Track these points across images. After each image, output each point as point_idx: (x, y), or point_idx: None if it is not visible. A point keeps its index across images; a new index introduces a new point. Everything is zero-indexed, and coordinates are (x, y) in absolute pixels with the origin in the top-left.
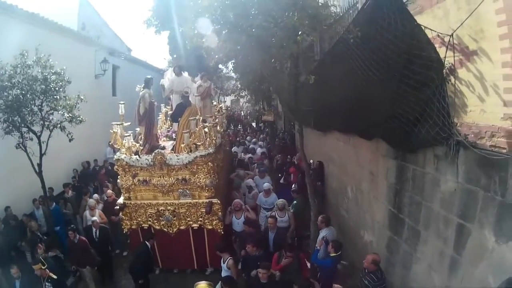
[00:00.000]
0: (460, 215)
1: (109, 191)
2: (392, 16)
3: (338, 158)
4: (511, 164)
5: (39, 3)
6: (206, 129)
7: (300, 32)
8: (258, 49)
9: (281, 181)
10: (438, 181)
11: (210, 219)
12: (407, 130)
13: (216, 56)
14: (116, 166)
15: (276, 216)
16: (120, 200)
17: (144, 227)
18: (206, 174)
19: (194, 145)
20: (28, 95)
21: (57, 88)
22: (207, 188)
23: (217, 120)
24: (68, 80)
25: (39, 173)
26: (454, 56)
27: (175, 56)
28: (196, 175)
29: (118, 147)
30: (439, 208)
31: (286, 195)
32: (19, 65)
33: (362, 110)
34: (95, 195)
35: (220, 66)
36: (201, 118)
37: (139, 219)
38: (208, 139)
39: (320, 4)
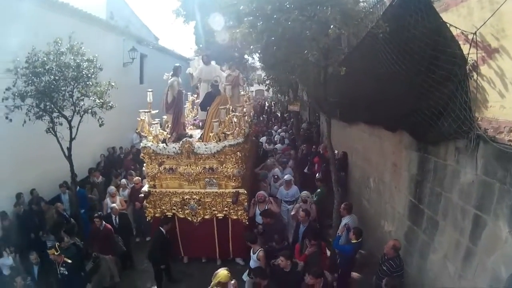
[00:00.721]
0: (477, 206)
1: (137, 178)
2: (419, 13)
3: (362, 149)
4: None
5: None
6: (235, 119)
7: (332, 26)
8: (292, 41)
9: (305, 170)
10: (458, 173)
11: (236, 209)
12: (431, 123)
13: (251, 47)
14: (142, 154)
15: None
16: (145, 188)
17: (168, 216)
18: (234, 164)
19: (223, 134)
20: (61, 81)
21: (89, 75)
22: (234, 178)
23: (245, 109)
24: (99, 67)
25: (69, 157)
26: (477, 53)
27: (201, 45)
28: (224, 165)
29: (145, 135)
30: (457, 199)
31: (310, 184)
32: (52, 52)
33: (388, 102)
34: (123, 180)
35: (245, 56)
36: (231, 107)
37: (163, 207)
38: (237, 128)
39: (351, 0)
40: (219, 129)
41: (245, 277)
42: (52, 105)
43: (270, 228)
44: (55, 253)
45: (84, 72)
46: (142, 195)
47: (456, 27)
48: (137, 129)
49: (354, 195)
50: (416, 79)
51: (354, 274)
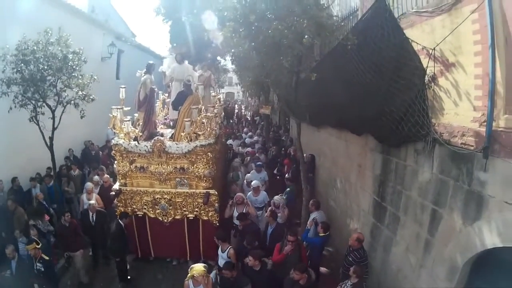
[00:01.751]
0: (434, 202)
1: (106, 176)
2: (386, 28)
3: (330, 151)
4: (476, 158)
5: None
6: (206, 119)
7: (306, 36)
8: (271, 47)
9: (275, 171)
10: (417, 172)
11: (207, 210)
12: (393, 127)
13: (232, 50)
14: (113, 151)
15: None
16: (116, 186)
17: (139, 215)
18: (205, 164)
19: (195, 134)
20: (48, 71)
21: (74, 67)
22: (205, 179)
23: (216, 110)
24: (84, 60)
25: (50, 147)
26: (434, 66)
27: (175, 44)
28: (195, 165)
29: (117, 132)
30: (416, 196)
31: (279, 185)
32: (40, 42)
33: (354, 107)
34: (96, 177)
35: (218, 58)
36: (203, 107)
37: (134, 206)
38: (208, 129)
39: (325, 14)
40: (191, 129)
41: (213, 275)
42: (38, 94)
43: (246, 230)
44: (36, 247)
45: (70, 64)
46: (113, 193)
47: (417, 43)
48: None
49: (321, 196)
50: (380, 87)
51: (323, 269)
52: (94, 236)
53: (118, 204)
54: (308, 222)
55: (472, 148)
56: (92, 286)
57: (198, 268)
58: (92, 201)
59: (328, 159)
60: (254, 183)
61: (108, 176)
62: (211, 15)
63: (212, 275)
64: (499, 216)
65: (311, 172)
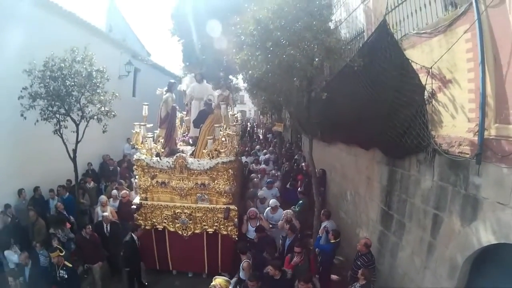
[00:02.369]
0: (435, 207)
1: (124, 191)
2: (388, 50)
3: (340, 166)
4: (471, 165)
5: (72, 2)
6: (228, 137)
7: (316, 59)
8: (284, 69)
9: (288, 186)
10: (419, 181)
11: (226, 225)
12: (397, 140)
13: (250, 72)
14: (135, 166)
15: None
16: (136, 200)
17: (158, 229)
18: (226, 181)
19: (216, 152)
20: (75, 87)
21: (97, 84)
22: (225, 194)
23: (235, 128)
24: (107, 78)
25: (74, 159)
26: (432, 83)
27: (187, 63)
28: (216, 181)
29: (139, 147)
30: (420, 203)
31: (292, 197)
32: (66, 59)
33: (362, 124)
34: (114, 191)
35: (230, 76)
36: (225, 125)
37: (154, 220)
38: (229, 146)
39: (333, 39)
40: (213, 146)
41: (233, 282)
42: (65, 108)
43: (263, 241)
44: (60, 254)
45: (94, 81)
46: (134, 207)
47: (416, 63)
48: (131, 141)
49: (332, 208)
50: (385, 104)
51: (334, 276)
52: (108, 247)
53: (139, 218)
54: (319, 230)
55: (467, 155)
56: None
57: (220, 280)
58: (106, 213)
59: (339, 173)
60: (272, 202)
61: (127, 192)
62: (224, 36)
63: (233, 282)
64: (492, 215)
65: (323, 186)
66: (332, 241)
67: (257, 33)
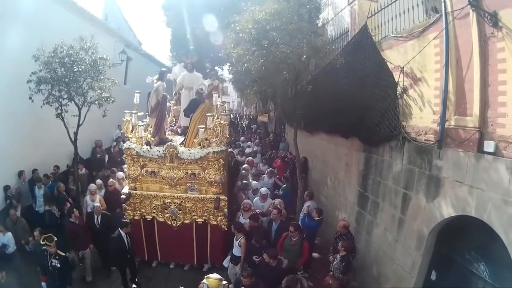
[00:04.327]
0: (405, 187)
1: (111, 180)
2: (367, 50)
3: (321, 154)
4: (434, 150)
5: None
6: (220, 126)
7: (304, 56)
8: (276, 64)
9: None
10: (391, 165)
11: (216, 215)
12: (373, 129)
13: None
14: (125, 155)
15: (279, 206)
16: (125, 190)
17: (147, 219)
18: (216, 171)
19: (207, 141)
20: (81, 73)
21: (100, 71)
22: (215, 184)
23: (226, 118)
24: (109, 65)
25: (74, 142)
26: (404, 81)
27: (175, 53)
28: (206, 171)
29: (129, 136)
30: (391, 183)
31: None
32: (74, 47)
33: (343, 115)
34: (98, 181)
35: (216, 67)
36: (217, 115)
37: (143, 210)
38: (220, 135)
39: (320, 40)
40: (204, 135)
41: (226, 263)
42: (70, 92)
43: (253, 230)
44: (54, 245)
45: (99, 68)
46: (123, 196)
47: (391, 62)
48: (121, 128)
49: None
50: (363, 97)
51: (315, 254)
52: (98, 239)
53: (127, 208)
54: (303, 209)
55: (431, 142)
56: (94, 285)
57: (211, 280)
58: (96, 203)
59: (320, 160)
60: (263, 190)
61: (113, 181)
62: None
63: (225, 263)
64: (452, 192)
65: (304, 173)
66: (316, 218)
67: (255, 31)
